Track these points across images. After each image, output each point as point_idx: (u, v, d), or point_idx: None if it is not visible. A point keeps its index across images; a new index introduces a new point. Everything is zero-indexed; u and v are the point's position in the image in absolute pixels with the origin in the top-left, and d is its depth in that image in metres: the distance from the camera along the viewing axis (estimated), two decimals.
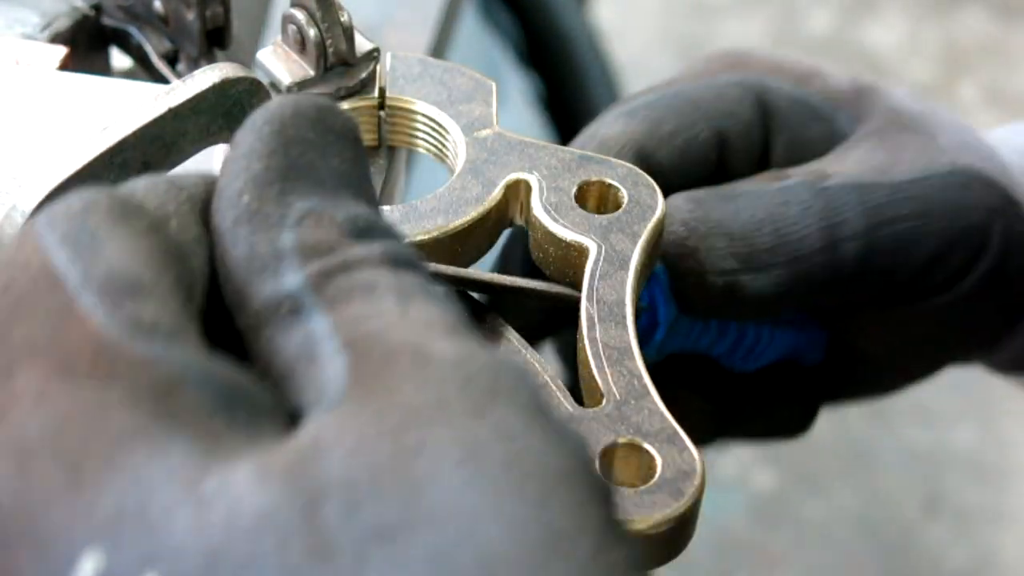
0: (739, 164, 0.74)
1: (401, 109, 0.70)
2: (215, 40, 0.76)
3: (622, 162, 0.67)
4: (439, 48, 1.15)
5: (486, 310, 0.65)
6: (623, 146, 0.71)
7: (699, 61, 0.77)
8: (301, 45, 0.69)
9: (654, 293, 0.72)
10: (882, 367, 0.79)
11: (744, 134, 0.74)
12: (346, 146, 0.48)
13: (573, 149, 0.68)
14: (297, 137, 0.47)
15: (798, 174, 0.72)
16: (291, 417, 0.44)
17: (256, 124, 0.47)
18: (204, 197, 0.48)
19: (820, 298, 0.72)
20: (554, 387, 0.61)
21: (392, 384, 0.42)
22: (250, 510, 0.39)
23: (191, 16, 0.75)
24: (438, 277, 0.60)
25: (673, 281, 0.71)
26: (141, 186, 0.47)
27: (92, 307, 0.43)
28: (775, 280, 0.70)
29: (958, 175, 0.72)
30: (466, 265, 0.67)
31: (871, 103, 0.76)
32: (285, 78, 0.69)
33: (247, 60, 0.76)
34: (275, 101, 0.48)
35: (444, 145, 0.70)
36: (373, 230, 0.46)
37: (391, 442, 0.40)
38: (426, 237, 0.65)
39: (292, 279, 0.45)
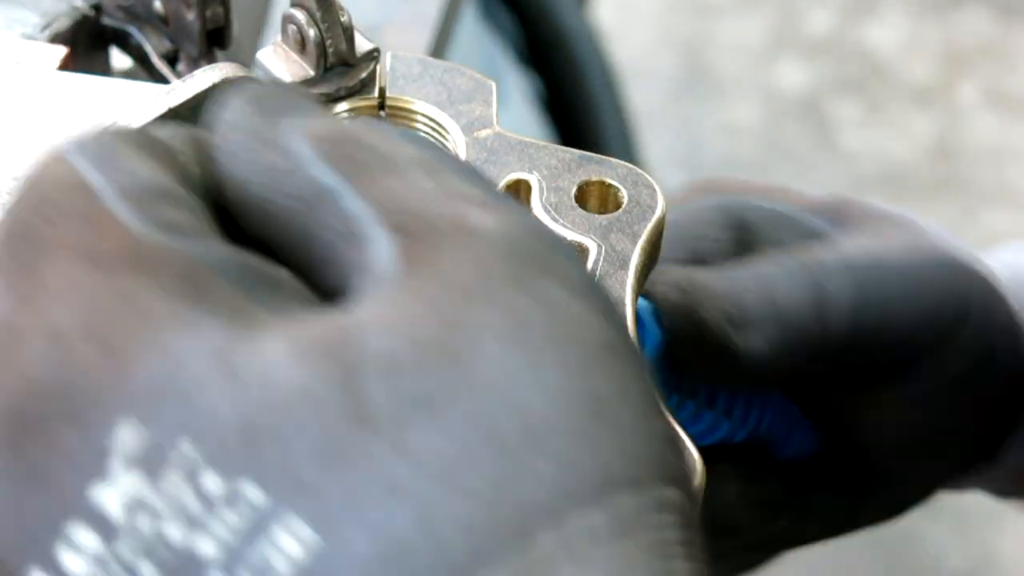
0: None
1: (401, 109, 0.70)
2: (215, 40, 0.76)
3: (622, 162, 0.67)
4: (439, 48, 1.15)
5: None
6: None
7: (677, 191, 0.79)
8: (301, 45, 0.69)
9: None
10: (882, 464, 0.79)
11: (720, 251, 0.75)
12: (311, 96, 0.49)
13: (573, 149, 0.68)
14: (270, 93, 0.48)
15: (788, 254, 0.73)
16: (330, 300, 0.44)
17: (229, 96, 0.48)
18: (203, 140, 0.49)
19: (812, 363, 0.72)
20: None
21: (435, 259, 0.42)
22: (285, 381, 0.40)
23: (191, 16, 0.75)
24: None
25: (673, 344, 0.71)
26: (150, 127, 0.49)
27: (120, 207, 0.44)
28: (765, 338, 0.70)
29: (947, 264, 0.74)
30: None
31: (849, 209, 0.77)
32: (285, 78, 0.69)
33: (247, 60, 0.76)
34: (239, 86, 0.49)
35: (444, 145, 0.70)
36: (371, 126, 0.47)
37: (435, 318, 0.41)
38: None
39: (316, 170, 0.45)
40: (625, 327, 0.43)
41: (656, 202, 0.66)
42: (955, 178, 2.54)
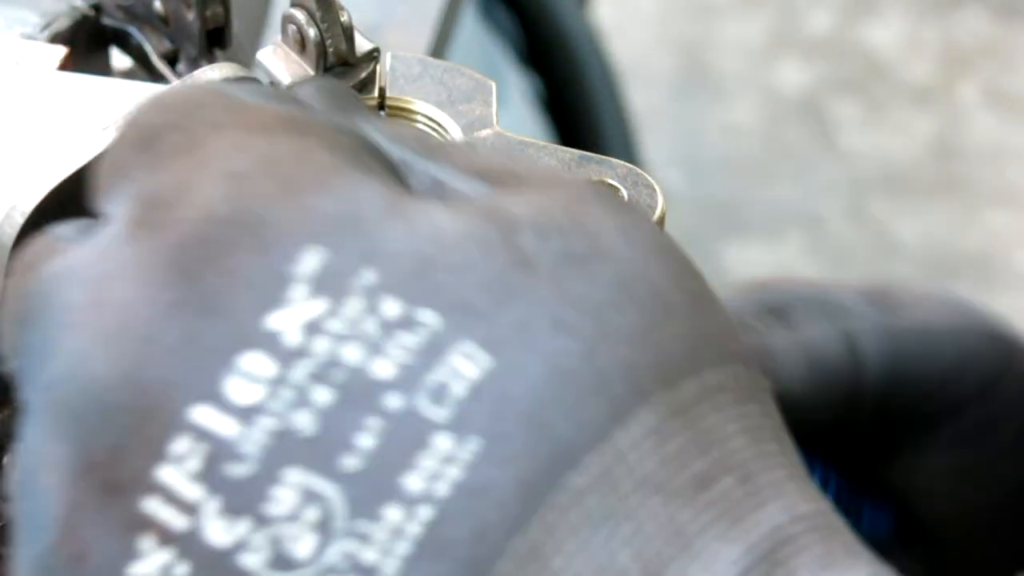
0: None
1: (401, 109, 0.70)
2: (215, 40, 0.76)
3: (622, 162, 0.67)
4: (439, 48, 1.15)
5: None
6: None
7: (729, 291, 0.80)
8: (301, 45, 0.69)
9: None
10: (949, 541, 0.79)
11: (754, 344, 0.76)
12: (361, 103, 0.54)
13: (573, 149, 0.68)
14: (343, 92, 0.54)
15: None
16: None
17: (301, 85, 0.53)
18: None
19: (849, 411, 0.73)
20: None
21: (536, 184, 0.47)
22: (453, 229, 0.44)
23: (191, 16, 0.75)
24: None
25: None
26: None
27: (265, 104, 0.48)
28: (798, 378, 0.71)
29: (985, 331, 0.75)
30: None
31: (893, 293, 0.78)
32: (285, 78, 0.69)
33: (247, 60, 0.76)
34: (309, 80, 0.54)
35: None
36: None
37: (560, 206, 0.45)
38: None
39: (391, 147, 0.49)
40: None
41: (656, 202, 0.66)
42: (955, 178, 2.54)
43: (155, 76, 0.78)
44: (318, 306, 0.42)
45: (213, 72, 0.60)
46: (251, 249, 0.43)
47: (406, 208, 0.44)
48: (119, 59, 0.81)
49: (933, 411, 0.75)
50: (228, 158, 0.45)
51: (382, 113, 0.70)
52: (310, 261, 0.43)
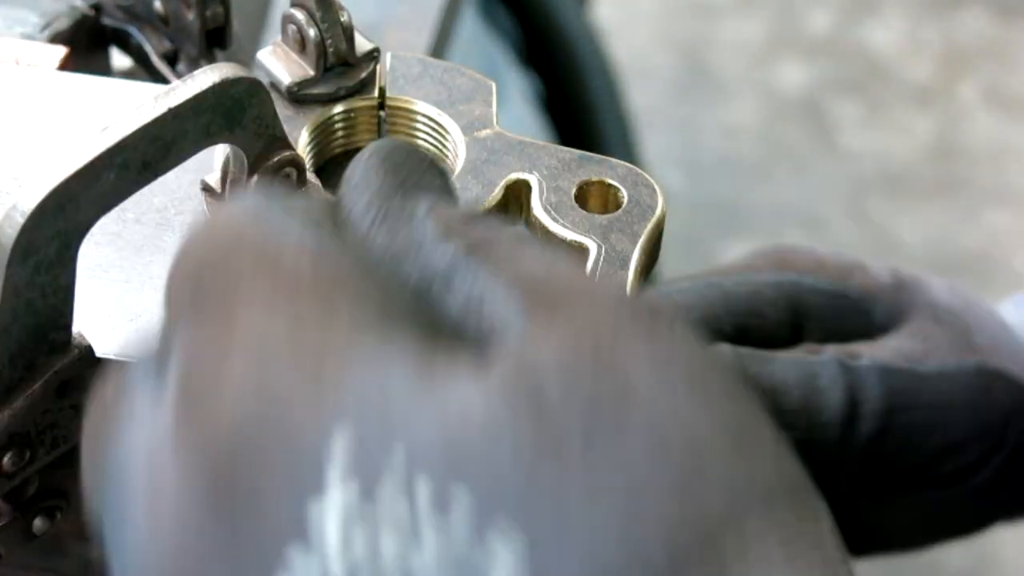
0: None
1: (401, 109, 0.70)
2: (215, 40, 0.76)
3: (622, 162, 0.67)
4: (439, 48, 1.15)
5: None
6: None
7: (749, 254, 0.80)
8: (301, 45, 0.69)
9: None
10: (890, 540, 0.82)
11: (769, 334, 0.76)
12: (438, 171, 0.52)
13: (573, 149, 0.68)
14: (400, 162, 0.52)
15: (831, 350, 0.74)
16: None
17: (362, 158, 0.52)
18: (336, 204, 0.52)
19: (829, 473, 0.74)
20: None
21: (570, 309, 0.46)
22: (481, 404, 0.43)
23: (191, 16, 0.75)
24: None
25: None
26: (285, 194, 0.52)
27: (302, 233, 0.47)
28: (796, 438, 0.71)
29: (983, 376, 0.75)
30: None
31: (910, 297, 0.78)
32: (285, 78, 0.69)
33: (247, 60, 0.76)
34: (372, 143, 0.53)
35: (444, 145, 0.70)
36: (491, 218, 0.51)
37: (588, 346, 0.44)
38: None
39: (442, 252, 0.48)
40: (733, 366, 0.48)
41: (656, 202, 0.66)
42: (955, 178, 2.54)
43: (155, 76, 0.78)
44: (354, 491, 0.43)
45: (213, 72, 0.60)
46: (282, 439, 0.43)
47: (433, 380, 0.44)
48: (119, 59, 0.81)
49: (908, 484, 0.76)
50: (256, 330, 0.45)
51: (382, 113, 0.70)
52: (342, 444, 0.43)
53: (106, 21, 0.79)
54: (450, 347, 0.46)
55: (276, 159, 0.63)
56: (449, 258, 0.48)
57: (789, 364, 0.73)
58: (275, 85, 0.69)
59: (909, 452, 0.74)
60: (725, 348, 0.73)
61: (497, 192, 0.66)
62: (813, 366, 0.73)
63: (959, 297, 0.79)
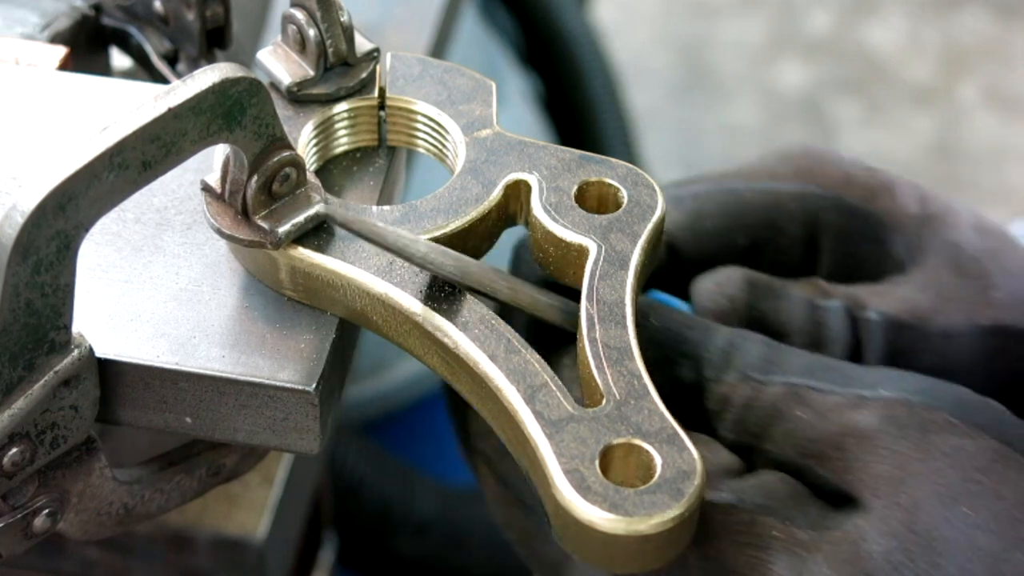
0: (770, 272, 0.73)
1: (401, 109, 0.70)
2: (215, 40, 0.76)
3: (622, 162, 0.67)
4: (439, 48, 1.15)
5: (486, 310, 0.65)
6: None
7: (773, 155, 0.76)
8: (301, 45, 0.69)
9: None
10: None
11: (783, 250, 0.74)
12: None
13: (573, 149, 0.68)
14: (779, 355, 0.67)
15: (839, 295, 0.72)
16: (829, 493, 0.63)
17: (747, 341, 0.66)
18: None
19: None
20: (553, 387, 0.61)
21: (909, 476, 0.61)
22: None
23: (191, 16, 0.75)
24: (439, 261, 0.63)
25: None
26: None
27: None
28: None
29: (995, 336, 0.72)
30: None
31: (934, 233, 0.75)
32: (285, 78, 0.69)
33: (247, 60, 0.76)
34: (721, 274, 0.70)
35: (444, 145, 0.70)
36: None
37: (912, 528, 0.59)
38: (426, 237, 0.65)
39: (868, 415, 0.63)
40: None
41: (656, 202, 0.66)
42: (955, 178, 2.54)
43: (155, 76, 0.78)
44: None
45: (213, 72, 0.60)
46: None
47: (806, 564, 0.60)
48: (119, 59, 0.81)
49: None
50: None
51: (382, 113, 0.70)
52: None
53: (106, 21, 0.79)
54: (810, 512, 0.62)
55: (276, 159, 0.63)
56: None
57: (798, 305, 0.71)
58: (275, 85, 0.69)
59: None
60: (736, 273, 0.71)
61: (497, 192, 0.66)
62: (821, 313, 0.71)
63: (988, 237, 0.75)
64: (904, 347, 0.71)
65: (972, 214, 0.76)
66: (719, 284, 0.70)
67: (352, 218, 0.64)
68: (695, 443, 0.62)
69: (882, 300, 0.72)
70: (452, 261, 0.63)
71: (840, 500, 0.63)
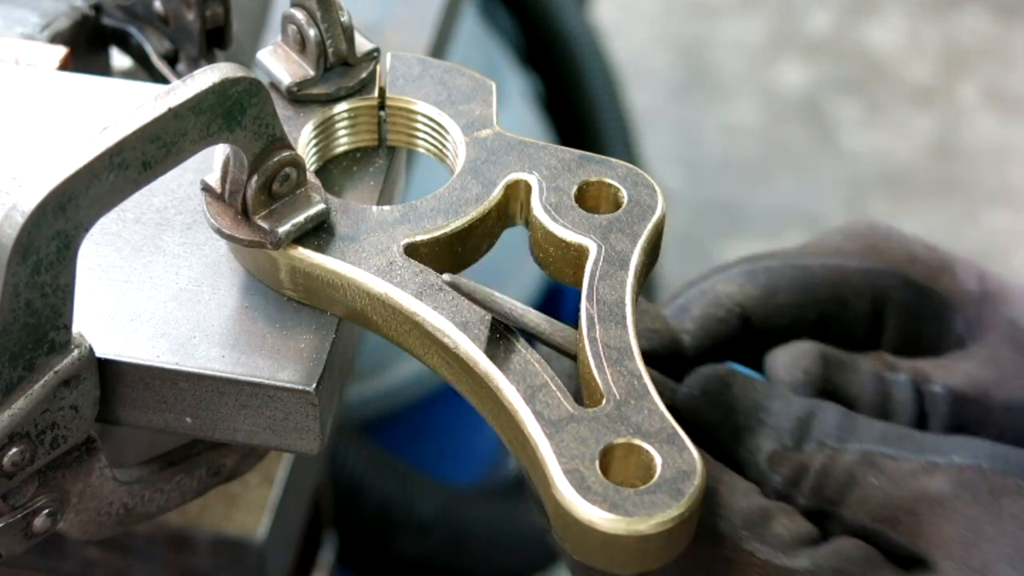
0: (836, 345, 0.75)
1: (401, 109, 0.70)
2: (215, 40, 0.76)
3: (622, 162, 0.67)
4: (439, 48, 1.15)
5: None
6: (734, 305, 0.74)
7: (841, 230, 0.79)
8: (301, 45, 0.69)
9: None
10: None
11: (850, 324, 0.76)
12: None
13: (573, 149, 0.68)
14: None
15: (905, 368, 0.74)
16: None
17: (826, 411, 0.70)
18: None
19: None
20: (553, 387, 0.61)
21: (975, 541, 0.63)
22: None
23: (191, 16, 0.75)
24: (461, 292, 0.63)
25: None
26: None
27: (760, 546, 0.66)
28: None
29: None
30: (466, 265, 0.67)
31: (993, 311, 0.77)
32: (285, 78, 0.69)
33: (247, 60, 0.76)
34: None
35: (444, 145, 0.69)
36: None
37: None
38: (426, 237, 0.65)
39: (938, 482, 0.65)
40: None
41: (656, 202, 0.66)
42: (955, 178, 2.54)
43: (155, 76, 0.78)
44: None
45: (213, 72, 0.60)
46: None
47: None
48: (119, 59, 0.81)
49: None
50: None
51: (382, 113, 0.70)
52: None
53: (106, 21, 0.79)
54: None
55: (276, 159, 0.63)
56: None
57: (868, 378, 0.73)
58: (275, 85, 0.69)
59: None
60: (811, 346, 0.73)
61: (497, 192, 0.66)
62: (889, 385, 0.73)
63: None
64: (967, 420, 0.74)
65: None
66: (794, 357, 0.73)
67: (475, 287, 0.64)
68: (776, 509, 0.64)
69: (946, 374, 0.75)
70: (560, 331, 0.65)
71: (913, 564, 0.65)
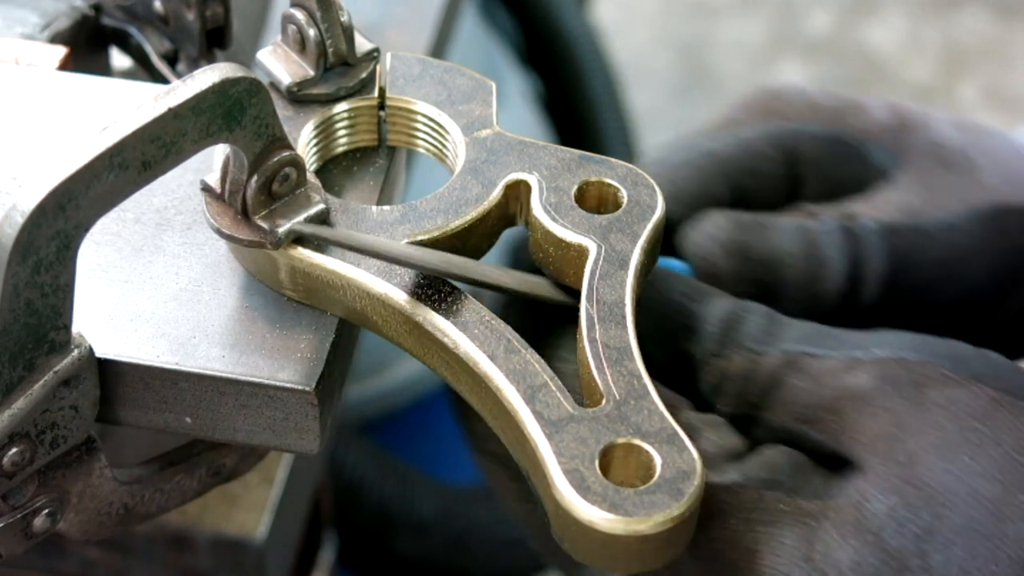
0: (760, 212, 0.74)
1: (401, 109, 0.70)
2: (215, 40, 0.76)
3: (622, 162, 0.67)
4: (439, 48, 1.15)
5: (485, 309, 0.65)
6: None
7: (733, 107, 0.77)
8: (301, 45, 0.69)
9: None
10: None
11: (767, 188, 0.74)
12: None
13: (573, 149, 0.68)
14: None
15: (828, 214, 0.72)
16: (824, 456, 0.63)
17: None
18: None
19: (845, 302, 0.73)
20: (553, 387, 0.61)
21: (878, 467, 0.61)
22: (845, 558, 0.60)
23: (191, 16, 0.75)
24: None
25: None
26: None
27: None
28: (789, 312, 0.70)
29: (997, 217, 0.72)
30: None
31: (911, 136, 0.75)
32: (285, 78, 0.69)
33: (247, 60, 0.76)
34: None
35: (444, 145, 0.69)
36: None
37: (912, 485, 0.59)
38: (426, 237, 0.65)
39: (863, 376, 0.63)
40: None
41: (656, 202, 0.66)
42: None
43: (155, 76, 0.78)
44: None
45: (213, 72, 0.60)
46: None
47: (814, 545, 0.61)
48: (119, 59, 0.81)
49: (940, 308, 0.74)
50: None
51: (382, 113, 0.70)
52: None
53: (106, 21, 0.79)
54: (811, 480, 0.62)
55: (276, 159, 0.63)
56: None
57: (789, 232, 0.71)
58: (275, 85, 0.69)
59: (918, 310, 0.73)
60: (720, 215, 0.71)
61: (497, 192, 0.66)
62: (813, 234, 0.71)
63: (967, 131, 0.75)
64: (906, 249, 0.71)
65: (948, 115, 0.77)
66: (707, 233, 0.71)
67: (324, 231, 0.63)
68: (702, 424, 0.63)
69: (873, 208, 0.72)
70: (435, 257, 0.63)
71: (840, 464, 0.63)
